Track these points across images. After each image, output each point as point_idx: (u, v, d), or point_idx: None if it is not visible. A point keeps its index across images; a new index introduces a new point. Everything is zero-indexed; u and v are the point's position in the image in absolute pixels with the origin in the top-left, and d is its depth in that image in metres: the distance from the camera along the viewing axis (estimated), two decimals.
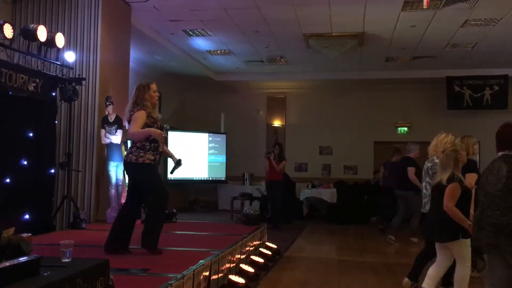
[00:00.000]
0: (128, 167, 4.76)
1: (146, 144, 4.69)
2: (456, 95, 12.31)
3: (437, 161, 4.84)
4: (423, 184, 5.48)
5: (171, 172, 5.16)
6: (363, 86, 13.12)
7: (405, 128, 13.36)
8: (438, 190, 4.23)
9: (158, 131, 4.68)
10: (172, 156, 5.08)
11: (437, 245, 4.38)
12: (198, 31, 9.31)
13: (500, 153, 3.40)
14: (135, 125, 4.62)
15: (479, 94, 12.23)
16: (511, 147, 3.35)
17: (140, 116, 4.65)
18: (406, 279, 5.00)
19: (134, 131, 4.62)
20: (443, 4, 7.58)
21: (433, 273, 4.38)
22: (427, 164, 5.43)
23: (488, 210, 3.31)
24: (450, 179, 4.12)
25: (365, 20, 8.51)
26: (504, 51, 10.29)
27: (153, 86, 4.85)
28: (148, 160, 4.68)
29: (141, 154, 4.67)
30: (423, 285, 4.41)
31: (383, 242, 8.54)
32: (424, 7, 6.46)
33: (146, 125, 4.66)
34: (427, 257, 4.94)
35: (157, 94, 4.89)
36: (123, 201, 7.19)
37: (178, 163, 4.97)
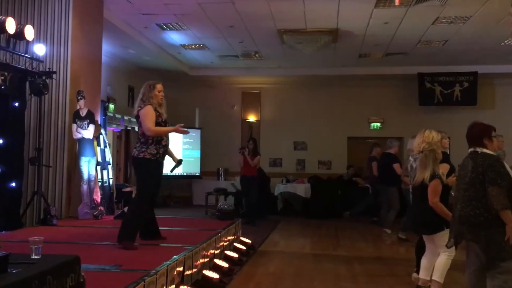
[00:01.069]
0: (132, 161, 5.04)
1: (149, 138, 4.80)
2: (427, 91, 12.55)
3: None
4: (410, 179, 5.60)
5: (171, 171, 5.34)
6: (337, 82, 13.24)
7: (378, 124, 13.55)
8: (420, 188, 4.53)
9: (177, 127, 4.87)
10: (172, 156, 5.21)
11: (424, 237, 4.70)
12: (172, 25, 9.22)
13: (469, 150, 3.71)
14: (149, 121, 4.77)
15: (449, 91, 12.50)
16: (478, 144, 3.66)
17: (149, 111, 4.82)
18: (415, 274, 5.13)
19: (154, 128, 4.77)
20: (414, 1, 7.70)
21: (426, 263, 4.67)
22: (412, 162, 5.58)
23: (458, 204, 3.63)
24: (432, 177, 4.44)
25: (339, 17, 8.57)
26: (474, 48, 10.53)
27: (159, 86, 5.05)
28: (149, 155, 4.78)
29: (143, 149, 4.81)
30: (420, 275, 4.72)
31: (356, 236, 8.66)
32: (396, 4, 6.56)
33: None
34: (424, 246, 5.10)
35: (162, 94, 5.05)
36: (95, 197, 7.12)
37: (179, 162, 5.16)
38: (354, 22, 8.88)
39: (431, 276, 4.56)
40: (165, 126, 4.93)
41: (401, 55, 11.24)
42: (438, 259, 4.54)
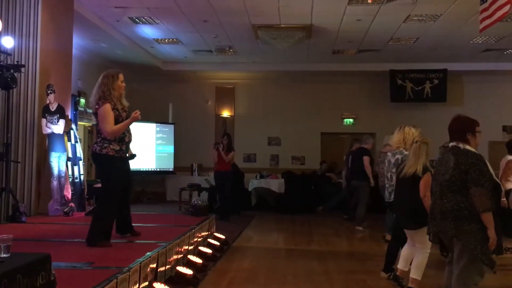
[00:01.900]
0: (92, 157, 4.77)
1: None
2: (399, 88, 12.77)
3: (406, 153, 5.06)
4: (388, 174, 5.64)
5: None
6: (311, 78, 13.33)
7: (351, 120, 13.72)
8: (412, 180, 4.42)
9: (133, 116, 4.62)
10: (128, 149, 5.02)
11: (407, 232, 4.68)
12: (145, 19, 9.09)
13: (451, 144, 3.61)
14: (108, 122, 4.54)
15: (420, 87, 12.74)
16: (461, 138, 3.55)
17: (107, 110, 4.57)
18: (382, 273, 5.20)
19: (113, 129, 4.55)
20: None
21: (406, 255, 4.72)
22: (396, 156, 5.62)
23: (437, 199, 3.57)
24: (425, 170, 4.38)
25: (313, 13, 8.62)
26: (444, 46, 10.76)
27: (121, 76, 4.79)
28: (112, 152, 4.60)
29: (105, 145, 4.60)
30: (398, 266, 4.78)
31: (329, 231, 8.76)
32: (369, 1, 6.63)
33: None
34: (396, 246, 5.14)
35: (124, 84, 4.82)
36: (66, 193, 6.99)
37: (131, 157, 4.97)
38: (328, 18, 8.95)
39: (410, 272, 4.57)
40: (127, 118, 4.69)
41: (373, 52, 11.39)
42: (416, 257, 4.53)
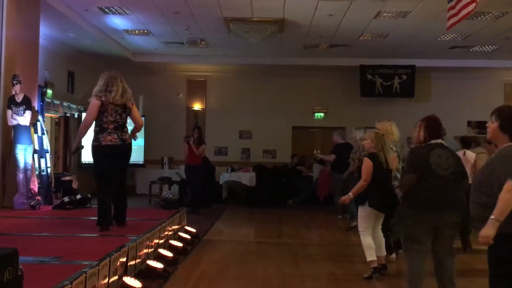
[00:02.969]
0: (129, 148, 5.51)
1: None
2: (369, 83, 12.94)
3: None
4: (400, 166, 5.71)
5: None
6: (283, 71, 13.37)
7: (322, 114, 13.83)
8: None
9: None
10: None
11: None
12: (114, 9, 8.92)
13: (436, 141, 3.86)
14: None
15: (389, 83, 12.95)
16: (441, 136, 3.99)
17: None
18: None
19: None
20: None
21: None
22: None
23: (444, 192, 3.75)
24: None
25: (285, 7, 8.63)
26: (413, 42, 10.96)
27: None
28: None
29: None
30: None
31: (300, 224, 8.85)
32: None
33: None
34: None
35: None
36: (32, 186, 6.83)
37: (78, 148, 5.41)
38: (300, 13, 8.97)
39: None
40: None
41: (344, 47, 11.50)
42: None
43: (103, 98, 5.06)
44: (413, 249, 3.81)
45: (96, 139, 5.09)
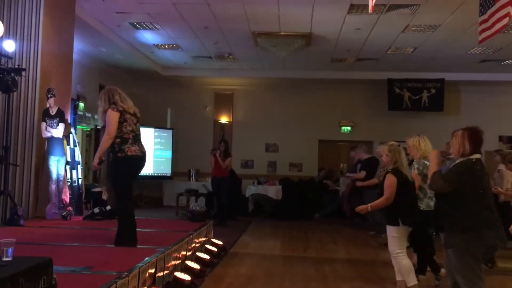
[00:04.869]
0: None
1: None
2: (396, 96, 12.84)
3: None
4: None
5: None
6: (309, 85, 13.39)
7: (349, 128, 13.77)
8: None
9: None
10: None
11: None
12: (145, 24, 9.14)
13: (476, 156, 3.60)
14: None
15: (417, 97, 12.82)
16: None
17: None
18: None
19: None
20: (386, 9, 7.88)
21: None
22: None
23: (495, 211, 3.58)
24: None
25: (313, 21, 8.69)
26: (442, 56, 10.84)
27: None
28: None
29: None
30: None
31: (326, 238, 8.78)
32: (369, 11, 6.69)
33: None
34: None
35: None
36: (64, 197, 6.99)
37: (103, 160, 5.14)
38: (327, 27, 9.01)
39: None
40: None
41: (372, 60, 11.46)
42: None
43: (120, 108, 4.92)
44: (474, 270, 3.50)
45: (120, 150, 4.86)
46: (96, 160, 5.01)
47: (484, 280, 3.49)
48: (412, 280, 4.54)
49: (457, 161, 3.65)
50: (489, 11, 5.88)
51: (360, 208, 4.80)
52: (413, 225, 4.63)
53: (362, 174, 9.18)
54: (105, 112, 4.92)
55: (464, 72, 12.30)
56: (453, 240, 3.52)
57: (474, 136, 3.60)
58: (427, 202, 5.19)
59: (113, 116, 4.86)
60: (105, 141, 4.89)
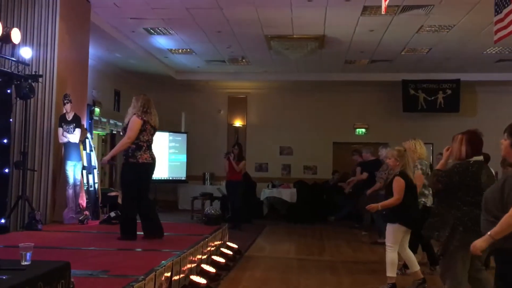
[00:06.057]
0: None
1: None
2: (411, 98, 12.73)
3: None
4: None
5: None
6: (323, 87, 13.35)
7: (363, 130, 13.69)
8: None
9: None
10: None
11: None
12: (159, 30, 9.22)
13: (476, 158, 3.74)
14: None
15: (432, 98, 12.69)
16: (481, 152, 3.81)
17: None
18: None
19: None
20: (400, 10, 7.83)
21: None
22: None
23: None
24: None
25: (326, 24, 8.67)
26: (457, 56, 10.73)
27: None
28: None
29: None
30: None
31: (341, 241, 8.73)
32: (382, 12, 6.65)
33: None
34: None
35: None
36: (81, 201, 7.07)
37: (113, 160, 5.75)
38: (340, 29, 8.99)
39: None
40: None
41: (386, 62, 11.39)
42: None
43: (145, 118, 5.35)
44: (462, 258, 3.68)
45: (133, 156, 5.31)
46: (108, 157, 5.64)
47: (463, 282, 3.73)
48: (392, 272, 5.04)
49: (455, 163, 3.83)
50: (505, 10, 5.83)
51: (372, 206, 5.19)
52: (410, 226, 5.05)
53: (364, 175, 9.39)
54: (131, 115, 5.37)
55: (480, 72, 12.15)
56: (442, 235, 3.73)
57: (473, 139, 3.75)
58: (431, 199, 5.69)
59: (136, 123, 5.31)
60: (124, 144, 5.36)
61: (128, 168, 5.38)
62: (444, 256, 3.74)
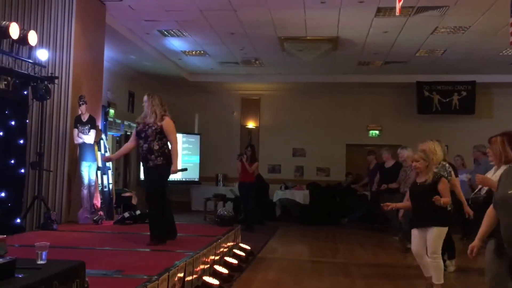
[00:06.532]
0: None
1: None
2: (426, 99, 12.63)
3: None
4: None
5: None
6: (337, 89, 13.31)
7: (377, 132, 13.61)
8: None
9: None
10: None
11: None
12: (173, 32, 9.28)
13: None
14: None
15: (447, 99, 12.58)
16: None
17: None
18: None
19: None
20: (414, 11, 7.78)
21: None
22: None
23: None
24: None
25: (339, 25, 8.64)
26: (472, 58, 10.62)
27: (144, 98, 5.47)
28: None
29: None
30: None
31: (354, 243, 8.69)
32: (397, 14, 6.61)
33: None
34: None
35: (144, 104, 5.46)
36: (95, 201, 7.14)
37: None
38: (354, 30, 8.96)
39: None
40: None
41: (400, 63, 11.32)
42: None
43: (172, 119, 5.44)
44: None
45: (166, 158, 5.33)
46: (174, 168, 5.35)
47: None
48: (442, 279, 4.88)
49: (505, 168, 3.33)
50: None
51: (389, 205, 5.12)
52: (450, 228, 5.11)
53: (395, 185, 8.47)
54: (161, 117, 5.28)
55: (497, 74, 12.01)
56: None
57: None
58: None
59: (173, 125, 5.36)
60: (176, 149, 5.36)
61: (163, 170, 5.34)
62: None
